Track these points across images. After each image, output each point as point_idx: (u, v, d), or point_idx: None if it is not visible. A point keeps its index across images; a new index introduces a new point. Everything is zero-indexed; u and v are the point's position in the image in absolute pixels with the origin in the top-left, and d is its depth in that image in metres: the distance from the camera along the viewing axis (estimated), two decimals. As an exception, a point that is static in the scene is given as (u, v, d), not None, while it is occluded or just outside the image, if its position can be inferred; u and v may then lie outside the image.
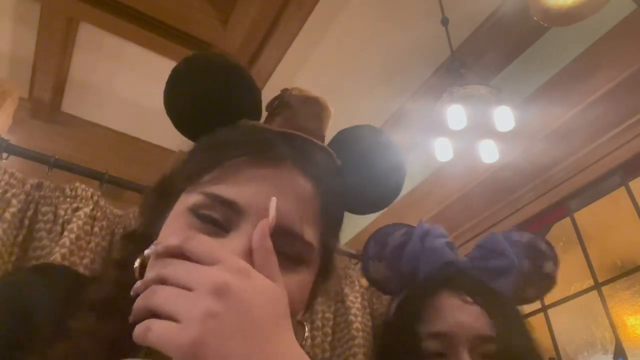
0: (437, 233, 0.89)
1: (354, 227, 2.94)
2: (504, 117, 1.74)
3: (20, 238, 1.18)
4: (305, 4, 2.17)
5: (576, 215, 2.00)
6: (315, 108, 0.58)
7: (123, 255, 0.51)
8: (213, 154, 0.51)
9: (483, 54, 2.32)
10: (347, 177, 0.57)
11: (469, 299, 0.78)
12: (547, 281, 0.92)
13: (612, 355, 1.74)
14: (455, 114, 1.73)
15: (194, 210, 0.47)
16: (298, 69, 2.53)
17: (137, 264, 0.45)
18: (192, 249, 0.38)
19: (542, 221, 2.09)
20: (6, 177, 1.22)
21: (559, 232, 2.04)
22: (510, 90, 2.03)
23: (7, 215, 1.16)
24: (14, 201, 1.19)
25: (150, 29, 2.27)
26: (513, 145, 1.97)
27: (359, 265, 1.90)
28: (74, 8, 2.16)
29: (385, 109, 2.72)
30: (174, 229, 0.47)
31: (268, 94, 2.30)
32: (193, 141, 0.60)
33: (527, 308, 1.98)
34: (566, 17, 1.49)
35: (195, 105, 0.57)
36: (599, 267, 1.86)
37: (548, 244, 0.94)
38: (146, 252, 0.42)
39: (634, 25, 1.79)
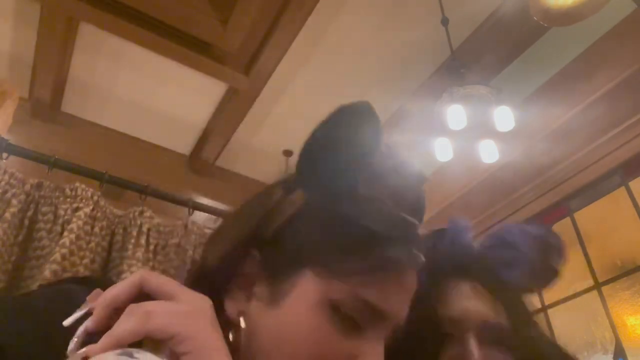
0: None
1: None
2: (504, 117, 1.74)
3: (20, 238, 1.18)
4: (305, 4, 2.17)
5: (576, 215, 2.00)
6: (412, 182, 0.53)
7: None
8: (367, 254, 0.46)
9: (483, 54, 2.32)
10: None
11: (478, 286, 0.79)
12: (552, 275, 0.94)
13: (612, 355, 1.74)
14: (455, 114, 1.73)
15: (336, 307, 0.44)
16: (298, 69, 2.53)
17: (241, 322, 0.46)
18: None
19: (542, 221, 2.09)
20: (6, 177, 1.22)
21: (559, 232, 2.04)
22: (510, 90, 2.03)
23: (7, 215, 1.16)
24: (14, 201, 1.19)
25: (150, 28, 2.27)
26: (513, 145, 1.97)
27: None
28: (74, 8, 2.16)
29: (385, 109, 2.72)
30: (312, 324, 0.44)
31: (268, 94, 2.30)
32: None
33: (527, 308, 1.98)
34: (566, 17, 1.49)
35: (342, 154, 0.49)
36: (599, 267, 1.86)
37: (558, 237, 0.96)
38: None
39: (634, 25, 1.79)
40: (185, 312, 0.38)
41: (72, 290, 0.45)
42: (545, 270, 0.93)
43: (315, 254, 0.47)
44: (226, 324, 0.44)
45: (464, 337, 0.75)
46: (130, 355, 0.31)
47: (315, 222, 0.48)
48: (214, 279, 0.48)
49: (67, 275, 1.12)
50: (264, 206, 0.50)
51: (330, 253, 0.46)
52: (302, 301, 0.45)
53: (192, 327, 0.37)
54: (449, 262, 0.86)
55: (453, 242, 0.88)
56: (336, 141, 0.50)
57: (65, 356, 0.36)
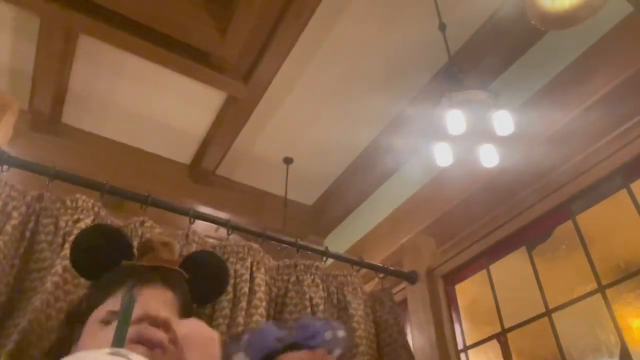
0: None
1: (354, 235, 2.93)
2: (504, 121, 1.74)
3: (21, 250, 1.18)
4: (303, 12, 2.18)
5: (578, 218, 1.99)
6: (169, 247, 0.97)
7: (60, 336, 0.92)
8: (108, 288, 0.84)
9: (481, 59, 2.33)
10: (194, 284, 0.96)
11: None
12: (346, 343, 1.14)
13: (617, 359, 1.73)
14: (455, 119, 1.73)
15: (103, 321, 0.77)
16: (297, 76, 2.54)
17: None
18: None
19: (543, 225, 2.09)
20: (7, 189, 1.22)
21: (562, 236, 2.03)
22: (509, 94, 2.03)
23: (8, 227, 1.16)
24: (15, 213, 1.19)
25: (149, 39, 2.28)
26: (513, 149, 1.97)
27: (360, 272, 1.89)
28: (73, 20, 2.17)
29: (385, 115, 2.72)
30: (92, 335, 0.77)
31: (267, 102, 2.31)
32: (89, 279, 0.98)
33: (531, 312, 1.97)
34: (563, 21, 1.49)
35: (93, 257, 0.96)
36: (602, 269, 1.85)
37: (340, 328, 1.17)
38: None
39: (631, 27, 1.79)
40: None
41: None
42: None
43: (92, 307, 0.82)
44: None
45: None
46: (125, 357, 0.30)
47: None
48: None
49: (67, 287, 1.11)
50: None
51: (93, 302, 0.84)
52: (87, 327, 0.79)
53: None
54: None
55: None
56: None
57: None
